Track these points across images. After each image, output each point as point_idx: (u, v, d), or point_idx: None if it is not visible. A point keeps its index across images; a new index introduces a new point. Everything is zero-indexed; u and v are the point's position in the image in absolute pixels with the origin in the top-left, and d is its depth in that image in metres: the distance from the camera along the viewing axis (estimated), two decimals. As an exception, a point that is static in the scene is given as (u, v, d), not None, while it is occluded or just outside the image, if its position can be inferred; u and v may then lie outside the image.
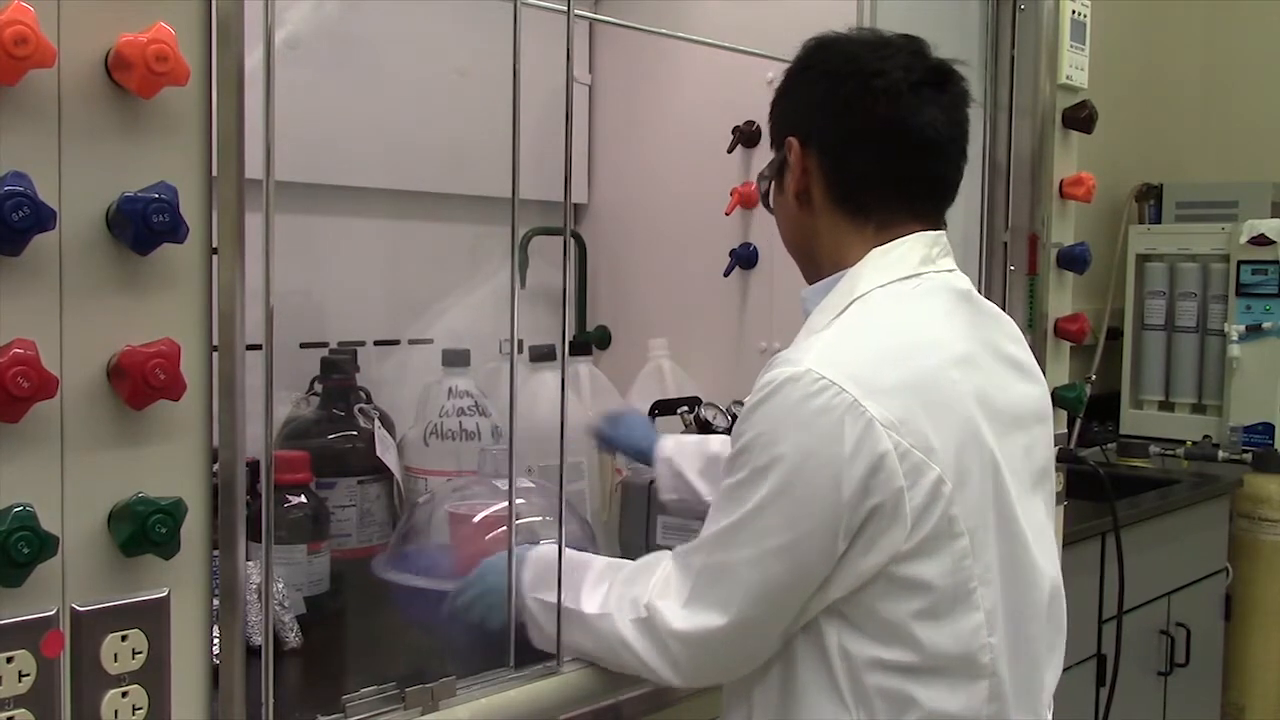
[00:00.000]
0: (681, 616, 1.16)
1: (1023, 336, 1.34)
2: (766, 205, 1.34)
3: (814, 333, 1.18)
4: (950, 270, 1.25)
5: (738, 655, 1.19)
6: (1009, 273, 1.97)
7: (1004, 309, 1.95)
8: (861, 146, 1.23)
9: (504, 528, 1.33)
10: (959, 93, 1.26)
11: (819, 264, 1.27)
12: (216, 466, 0.98)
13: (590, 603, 1.25)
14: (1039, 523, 1.23)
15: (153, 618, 0.92)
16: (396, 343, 2.01)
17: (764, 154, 1.46)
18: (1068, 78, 1.97)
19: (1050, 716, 1.28)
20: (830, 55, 1.27)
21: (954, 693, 1.13)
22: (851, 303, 1.19)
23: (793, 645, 1.17)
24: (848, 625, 1.14)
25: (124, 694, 0.91)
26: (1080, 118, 1.99)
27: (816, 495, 1.09)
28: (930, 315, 1.19)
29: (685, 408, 1.82)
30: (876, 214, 1.23)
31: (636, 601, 1.21)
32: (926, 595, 1.11)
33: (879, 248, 1.22)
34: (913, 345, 1.16)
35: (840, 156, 1.24)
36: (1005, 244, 1.97)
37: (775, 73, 1.93)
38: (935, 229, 1.26)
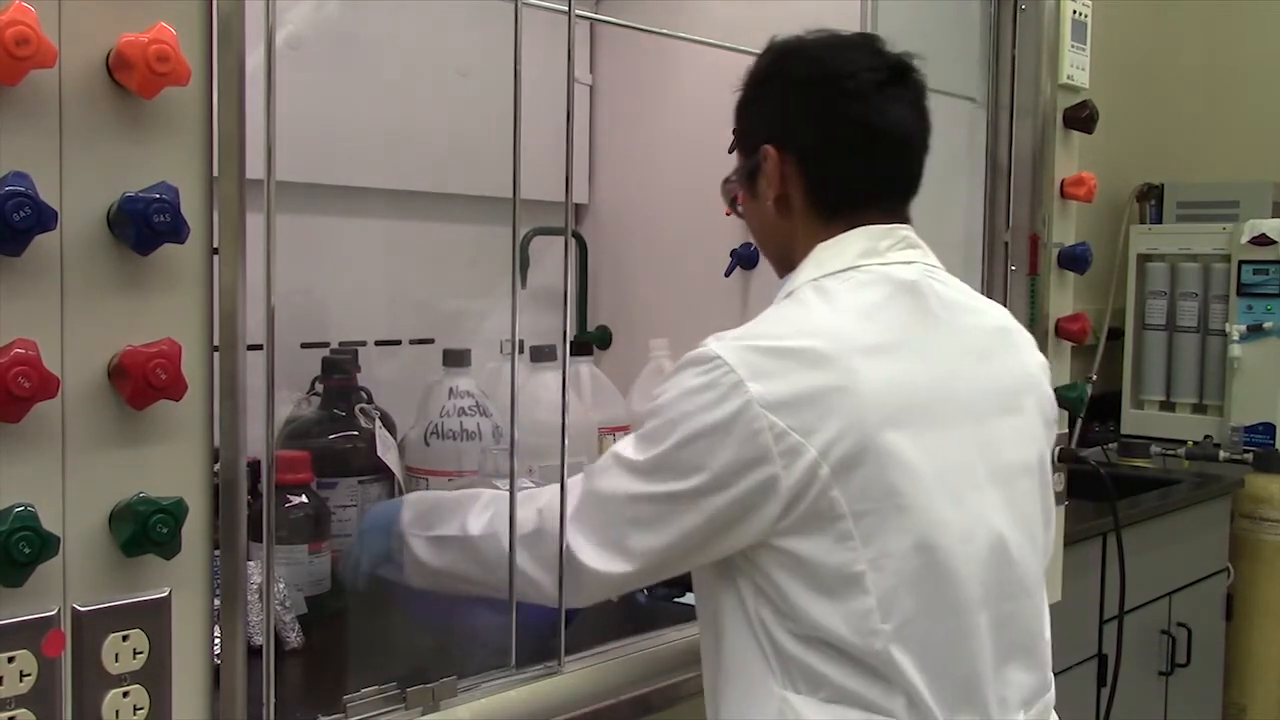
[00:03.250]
0: (592, 557, 1.22)
1: (1010, 325, 1.34)
2: (734, 210, 1.37)
3: None
4: (906, 263, 1.25)
5: (616, 592, 1.29)
6: (1010, 273, 1.97)
7: (1005, 308, 1.96)
8: (839, 150, 1.26)
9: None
10: (919, 86, 1.29)
11: (793, 264, 1.29)
12: (218, 466, 0.98)
13: (477, 524, 1.31)
14: (993, 520, 1.21)
15: (154, 618, 0.92)
16: (398, 343, 2.01)
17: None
18: (1069, 78, 1.97)
19: None
20: (797, 61, 1.29)
21: (860, 679, 1.14)
22: (786, 297, 1.24)
23: (720, 615, 1.22)
24: (760, 595, 1.18)
25: (125, 694, 0.91)
26: (1081, 118, 1.99)
27: (698, 463, 1.15)
28: (849, 307, 1.21)
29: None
30: (847, 214, 1.26)
31: (524, 521, 1.27)
32: (809, 570, 1.14)
33: (822, 243, 1.26)
34: (814, 334, 1.17)
35: (819, 161, 1.26)
36: (1006, 244, 1.97)
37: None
38: (896, 223, 1.28)
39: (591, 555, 1.22)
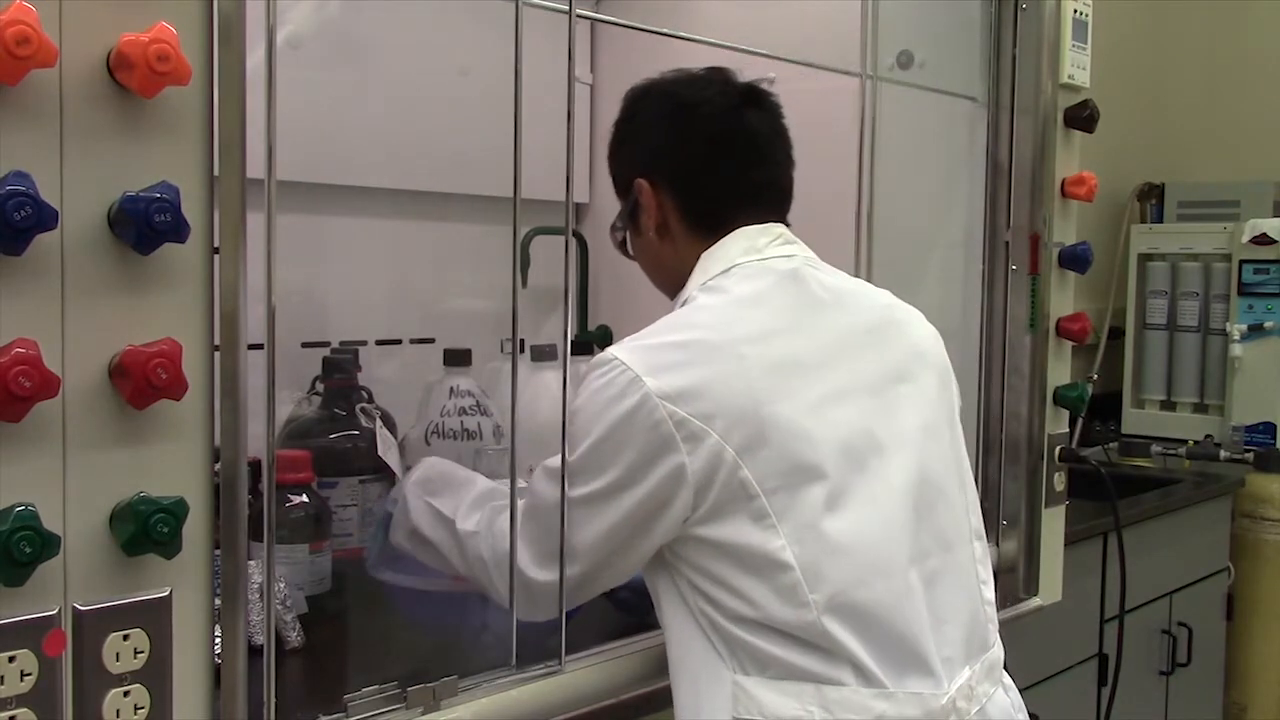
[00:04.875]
0: (534, 570, 1.27)
1: (894, 303, 1.40)
2: (625, 253, 1.46)
3: None
4: (786, 256, 1.33)
5: (573, 600, 1.30)
6: (1011, 272, 1.97)
7: (1005, 308, 1.97)
8: (701, 165, 1.35)
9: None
10: (773, 107, 1.40)
11: (685, 287, 1.35)
12: (218, 466, 0.98)
13: (468, 520, 1.35)
14: (900, 481, 1.25)
15: (154, 617, 0.92)
16: (398, 342, 2.01)
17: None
18: (1069, 77, 1.97)
19: (975, 679, 1.27)
20: (652, 98, 1.41)
21: (804, 654, 1.18)
22: (680, 305, 1.32)
23: (664, 609, 1.26)
24: (693, 586, 1.21)
25: (126, 693, 0.91)
26: (1082, 117, 1.98)
27: (610, 461, 1.20)
28: (736, 298, 1.28)
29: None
30: (725, 227, 1.34)
31: (501, 535, 1.31)
32: (733, 554, 1.18)
33: (705, 252, 1.34)
34: (703, 326, 1.25)
35: (687, 180, 1.36)
36: (1007, 243, 1.97)
37: (777, 72, 1.94)
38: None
39: (535, 568, 1.27)
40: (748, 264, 1.31)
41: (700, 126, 1.35)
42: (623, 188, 1.42)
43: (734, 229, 1.34)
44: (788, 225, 1.38)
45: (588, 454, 1.22)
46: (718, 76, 1.39)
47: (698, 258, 1.34)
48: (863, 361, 1.30)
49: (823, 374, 1.25)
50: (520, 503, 1.29)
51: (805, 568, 1.17)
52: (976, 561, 1.34)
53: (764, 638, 1.18)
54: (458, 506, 1.37)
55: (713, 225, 1.34)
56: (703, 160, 1.35)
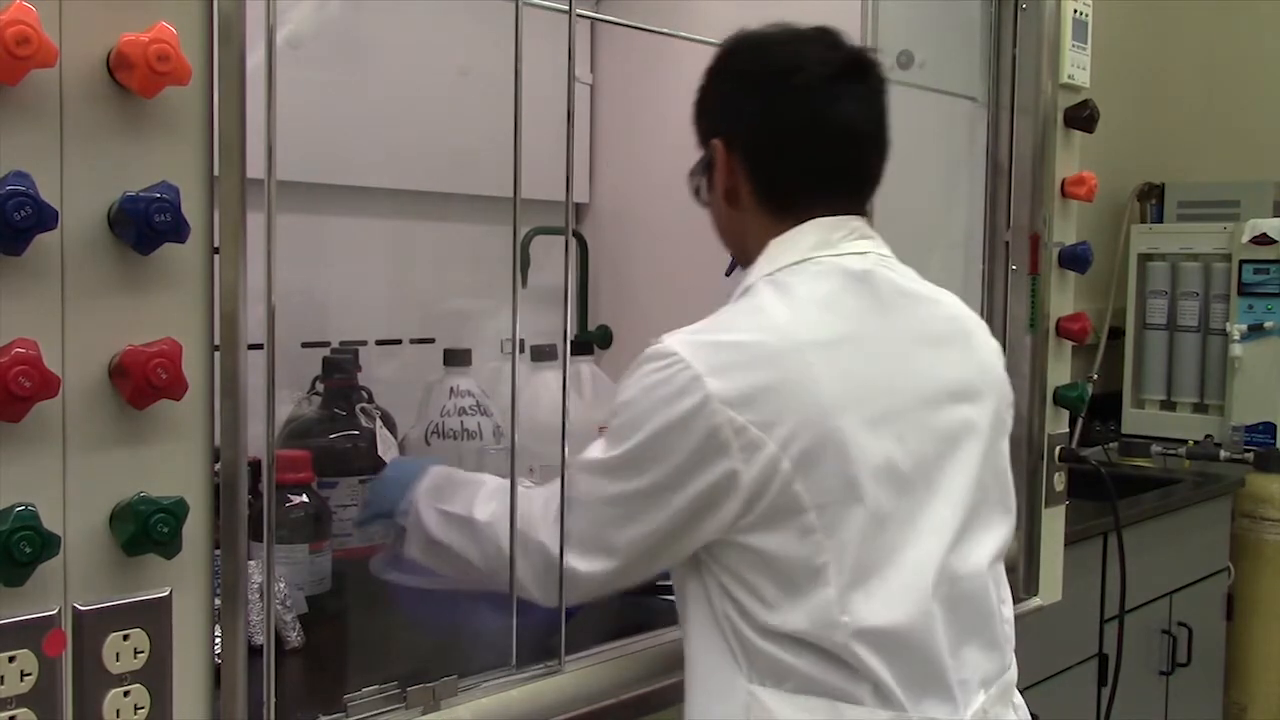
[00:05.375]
0: (577, 560, 1.23)
1: (964, 313, 1.34)
2: (699, 201, 1.37)
3: None
4: (859, 254, 1.25)
5: (606, 590, 1.28)
6: (1011, 272, 1.97)
7: (1005, 308, 1.97)
8: (782, 145, 1.26)
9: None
10: (877, 82, 1.28)
11: (751, 257, 1.29)
12: (218, 466, 0.98)
13: (483, 510, 1.31)
14: (938, 513, 1.21)
15: (154, 617, 0.92)
16: (398, 342, 2.01)
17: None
18: (1069, 77, 1.97)
19: (989, 703, 1.25)
20: (744, 55, 1.30)
21: (825, 668, 1.15)
22: (743, 293, 1.25)
23: (687, 611, 1.23)
24: (724, 591, 1.19)
25: (126, 693, 0.91)
26: (1082, 117, 1.98)
27: (659, 459, 1.16)
28: (804, 299, 1.21)
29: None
30: (799, 208, 1.26)
31: (528, 520, 1.27)
32: (772, 565, 1.15)
33: (777, 238, 1.26)
34: (769, 329, 1.18)
35: (763, 156, 1.27)
36: (1007, 243, 1.97)
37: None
38: (849, 215, 1.28)
39: (578, 558, 1.24)
40: (820, 259, 1.23)
41: (788, 102, 1.24)
42: (702, 138, 1.33)
43: (808, 213, 1.26)
44: (867, 214, 1.30)
45: (637, 450, 1.18)
46: (821, 40, 1.27)
47: (765, 233, 1.26)
48: (925, 378, 1.24)
49: (884, 389, 1.20)
50: (543, 493, 1.28)
51: (843, 587, 1.14)
52: (998, 584, 1.30)
53: (788, 650, 1.15)
54: (471, 503, 1.34)
55: (786, 206, 1.26)
56: (784, 140, 1.25)
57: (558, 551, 1.24)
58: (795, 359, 1.16)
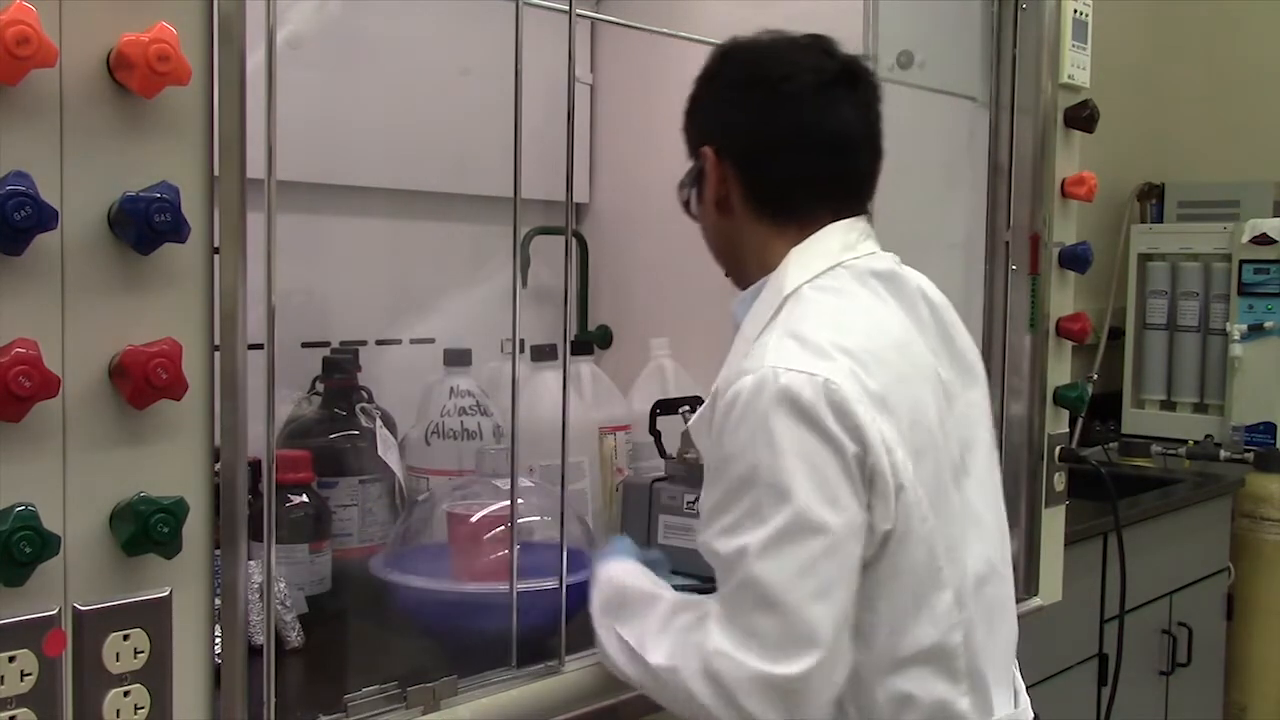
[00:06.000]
0: (770, 664, 1.07)
1: (936, 292, 1.33)
2: (689, 213, 1.34)
3: (751, 340, 1.19)
4: (871, 254, 1.26)
5: (824, 689, 1.10)
6: (1011, 272, 1.97)
7: (1005, 308, 1.97)
8: (775, 152, 1.24)
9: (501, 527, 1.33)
10: (870, 89, 1.27)
11: (745, 268, 1.28)
12: (218, 466, 0.98)
13: (657, 652, 1.18)
14: (977, 503, 1.24)
15: (154, 617, 0.93)
16: (398, 342, 2.01)
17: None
18: (1069, 77, 1.97)
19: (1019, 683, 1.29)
20: (735, 62, 1.29)
21: (939, 678, 1.15)
22: (784, 303, 1.20)
23: None
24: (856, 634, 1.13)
25: (126, 693, 0.91)
26: (1082, 117, 1.98)
27: (822, 478, 1.08)
28: (864, 302, 1.21)
29: (686, 407, 1.82)
30: (797, 215, 1.25)
31: (702, 649, 1.12)
32: (904, 577, 1.13)
33: (797, 246, 1.23)
34: (856, 330, 1.17)
35: (755, 163, 1.25)
36: (1007, 243, 1.97)
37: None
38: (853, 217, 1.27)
39: (772, 662, 1.07)
40: (851, 264, 1.23)
41: (780, 109, 1.23)
42: (691, 147, 1.31)
43: (810, 218, 1.24)
44: (868, 213, 1.30)
45: (790, 477, 1.08)
46: (815, 46, 1.26)
47: (762, 239, 1.25)
48: (945, 368, 1.25)
49: (943, 378, 1.22)
50: (691, 602, 1.19)
51: (957, 588, 1.15)
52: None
53: (912, 679, 1.14)
54: (644, 637, 1.20)
55: (779, 212, 1.25)
56: (777, 148, 1.24)
57: (767, 667, 1.08)
58: (889, 357, 1.16)
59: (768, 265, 1.25)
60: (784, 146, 1.24)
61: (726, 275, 1.34)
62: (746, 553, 1.08)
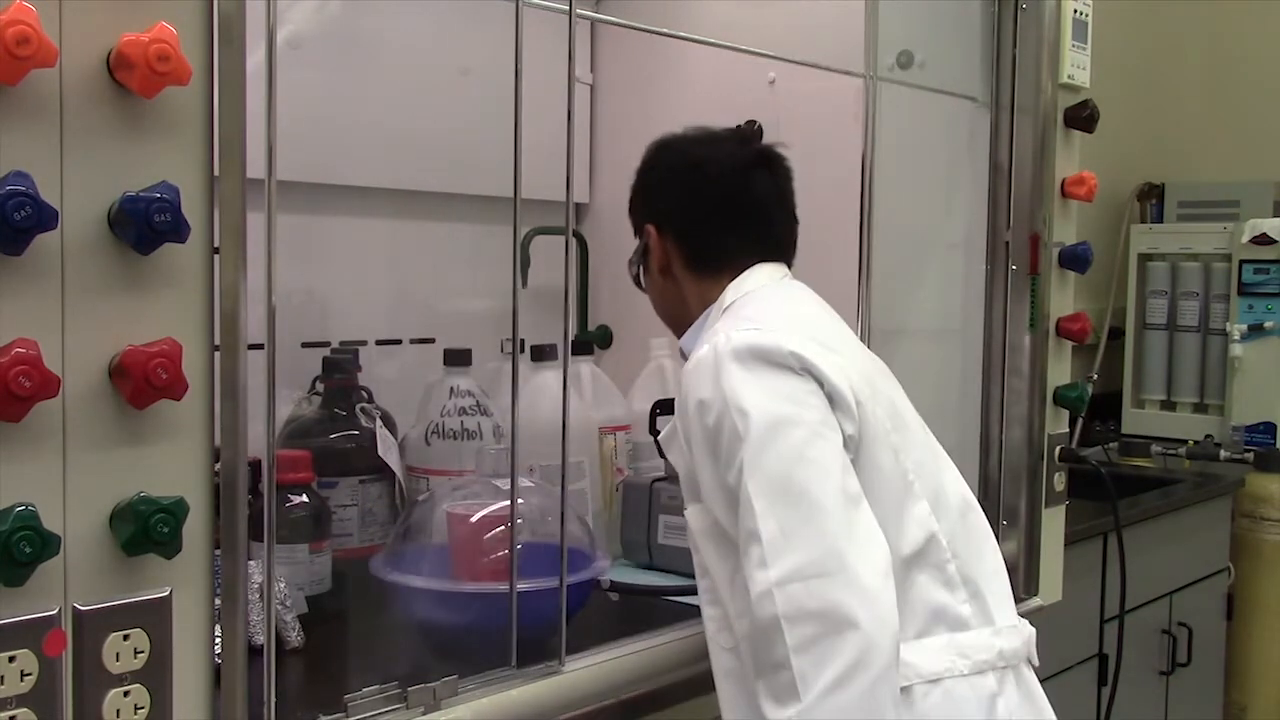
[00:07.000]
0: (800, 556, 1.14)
1: None
2: (639, 285, 1.54)
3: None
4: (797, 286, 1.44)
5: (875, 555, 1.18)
6: (1011, 272, 1.97)
7: (1005, 308, 1.97)
8: (705, 221, 1.44)
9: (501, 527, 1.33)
10: (782, 170, 1.48)
11: (691, 318, 1.45)
12: (218, 466, 0.98)
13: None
14: (935, 445, 1.39)
15: (155, 617, 0.93)
16: (399, 342, 2.01)
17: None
18: (1069, 77, 1.97)
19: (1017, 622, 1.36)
20: (668, 153, 1.50)
21: (935, 585, 1.26)
22: (725, 311, 1.36)
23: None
24: None
25: (126, 693, 0.91)
26: (1082, 117, 1.98)
27: (785, 394, 1.21)
28: (797, 295, 1.41)
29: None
30: (730, 266, 1.43)
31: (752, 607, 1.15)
32: (882, 482, 1.24)
33: (732, 282, 1.42)
34: (797, 313, 1.35)
35: (690, 232, 1.45)
36: (1007, 243, 1.97)
37: (777, 72, 1.93)
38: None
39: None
40: (776, 285, 1.42)
41: (705, 187, 1.44)
42: (636, 228, 1.51)
43: (739, 267, 1.42)
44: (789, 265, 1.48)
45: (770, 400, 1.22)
46: (733, 136, 1.48)
47: (699, 293, 1.43)
48: (870, 360, 1.42)
49: (869, 359, 1.40)
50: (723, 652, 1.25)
51: (931, 500, 1.28)
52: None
53: (902, 580, 1.20)
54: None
55: (716, 268, 1.43)
56: (704, 218, 1.44)
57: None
58: (834, 330, 1.35)
59: (709, 304, 1.42)
60: (713, 215, 1.44)
61: (677, 336, 1.49)
62: (742, 467, 1.18)
